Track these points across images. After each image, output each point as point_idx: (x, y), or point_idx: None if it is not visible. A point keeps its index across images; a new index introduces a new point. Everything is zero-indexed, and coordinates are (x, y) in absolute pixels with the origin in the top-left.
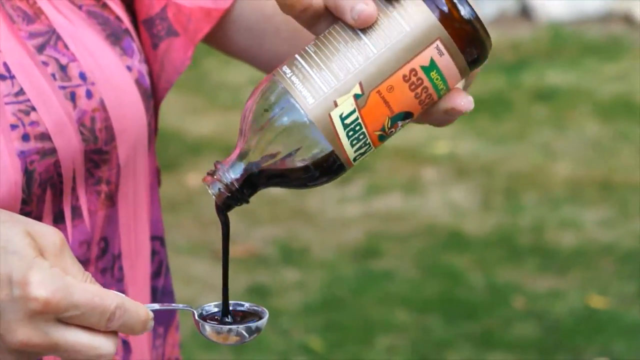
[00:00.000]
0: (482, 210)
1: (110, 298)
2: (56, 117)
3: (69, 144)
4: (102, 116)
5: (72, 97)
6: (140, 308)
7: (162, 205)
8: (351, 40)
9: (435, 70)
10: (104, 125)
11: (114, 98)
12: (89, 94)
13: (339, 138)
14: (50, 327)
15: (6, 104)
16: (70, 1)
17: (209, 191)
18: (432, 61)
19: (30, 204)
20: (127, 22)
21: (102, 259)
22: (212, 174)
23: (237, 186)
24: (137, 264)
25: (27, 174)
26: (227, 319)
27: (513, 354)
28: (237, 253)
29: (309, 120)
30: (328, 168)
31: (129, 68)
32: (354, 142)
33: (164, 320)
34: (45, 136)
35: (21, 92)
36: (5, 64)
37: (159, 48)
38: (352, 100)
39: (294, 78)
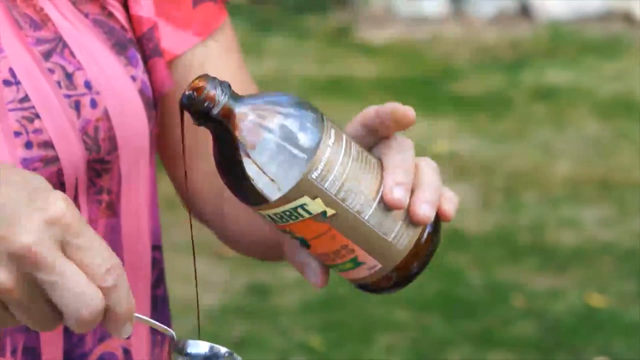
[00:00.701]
0: (481, 209)
1: (114, 255)
2: (60, 125)
3: (71, 153)
4: (105, 126)
5: (77, 106)
6: (131, 294)
7: (161, 204)
8: (371, 191)
9: (352, 265)
10: (107, 135)
11: (118, 108)
12: (94, 104)
13: (282, 205)
14: (55, 247)
15: (10, 110)
16: (77, 9)
17: (200, 84)
18: (360, 264)
19: None
20: (130, 32)
21: None
22: (220, 83)
23: (214, 113)
24: (139, 274)
25: None
26: None
27: (513, 352)
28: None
29: (296, 178)
30: (251, 194)
31: (134, 78)
32: (276, 216)
33: None
34: (48, 144)
35: (26, 98)
36: (10, 70)
37: (147, 66)
38: (320, 211)
39: (327, 147)
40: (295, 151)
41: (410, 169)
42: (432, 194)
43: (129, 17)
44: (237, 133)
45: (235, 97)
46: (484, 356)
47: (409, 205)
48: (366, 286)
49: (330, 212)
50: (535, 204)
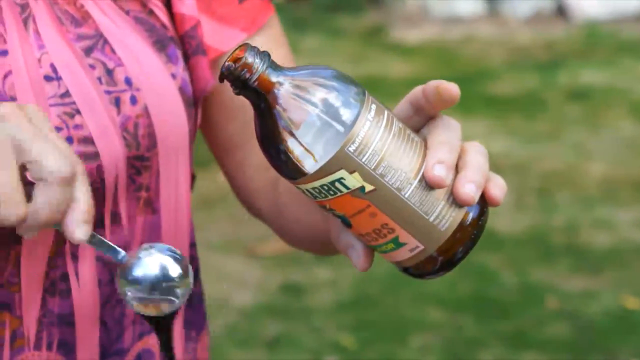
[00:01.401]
0: (515, 210)
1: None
2: (100, 121)
3: (111, 149)
4: (145, 122)
5: (117, 103)
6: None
7: (197, 203)
8: (412, 169)
9: (393, 246)
10: (147, 132)
11: (158, 105)
12: (134, 100)
13: (320, 179)
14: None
15: (51, 105)
16: (117, 6)
17: (239, 54)
18: (402, 244)
19: None
20: (171, 30)
21: None
22: (259, 52)
23: (253, 82)
24: None
25: None
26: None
27: (546, 354)
28: (271, 251)
29: (333, 150)
30: (287, 167)
31: (174, 76)
32: (314, 190)
33: (197, 324)
34: (88, 140)
35: (67, 94)
36: (52, 65)
37: (188, 65)
38: (358, 186)
39: (366, 122)
40: (333, 123)
41: (453, 148)
42: (477, 174)
43: (172, 15)
44: (273, 103)
45: (275, 67)
46: (517, 357)
47: (453, 185)
48: (409, 269)
49: (368, 187)
50: (569, 205)
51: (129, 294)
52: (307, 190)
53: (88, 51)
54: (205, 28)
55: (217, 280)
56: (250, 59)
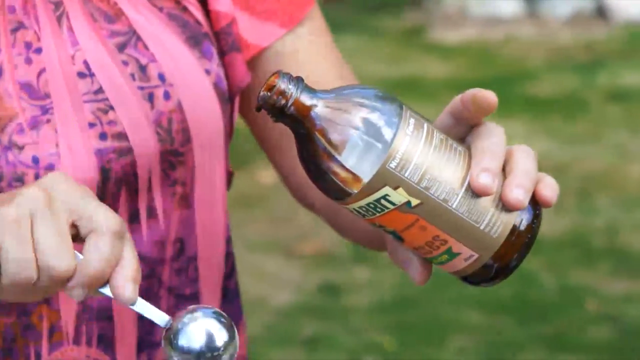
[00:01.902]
0: (555, 212)
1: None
2: (134, 117)
3: (145, 145)
4: (179, 118)
5: (150, 98)
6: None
7: (235, 201)
8: (456, 179)
9: (448, 257)
10: (181, 127)
11: (192, 100)
12: (167, 95)
13: (365, 198)
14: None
15: (85, 102)
16: (150, 3)
17: (273, 82)
18: (457, 254)
19: (105, 201)
20: (206, 26)
21: (177, 260)
22: (292, 79)
23: (289, 108)
24: (212, 265)
25: (104, 172)
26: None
27: (586, 357)
28: (308, 251)
29: (375, 169)
30: (333, 189)
31: (208, 71)
32: (362, 209)
33: (232, 319)
34: (122, 135)
35: (100, 90)
36: (85, 62)
37: (224, 62)
38: (403, 201)
39: (406, 136)
40: (372, 141)
41: (498, 154)
42: (524, 178)
43: (207, 12)
44: (312, 127)
45: (309, 90)
46: None
47: (501, 190)
48: (468, 278)
49: (414, 201)
50: (609, 207)
51: (175, 359)
52: (354, 209)
53: (121, 48)
54: (244, 25)
55: (255, 279)
56: (283, 86)
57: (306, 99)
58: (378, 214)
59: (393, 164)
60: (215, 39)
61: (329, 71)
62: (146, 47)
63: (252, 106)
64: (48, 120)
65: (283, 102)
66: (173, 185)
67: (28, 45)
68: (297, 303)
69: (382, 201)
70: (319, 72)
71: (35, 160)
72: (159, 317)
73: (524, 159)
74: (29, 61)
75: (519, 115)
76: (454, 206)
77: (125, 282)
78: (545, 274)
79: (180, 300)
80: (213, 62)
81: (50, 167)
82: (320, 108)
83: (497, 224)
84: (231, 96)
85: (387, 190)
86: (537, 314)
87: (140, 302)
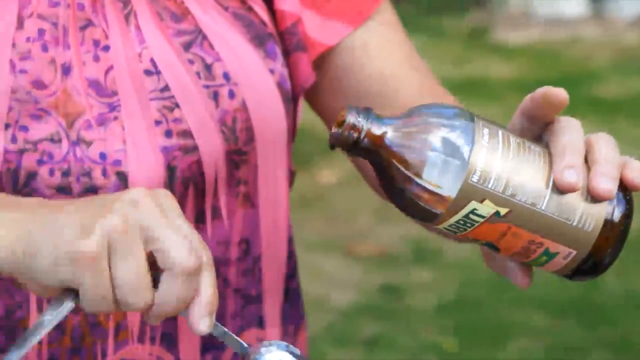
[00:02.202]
0: None
1: (206, 246)
2: (199, 115)
3: (210, 143)
4: (243, 117)
5: (215, 97)
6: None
7: (294, 202)
8: (540, 180)
9: (547, 258)
10: (245, 126)
11: (256, 99)
12: (232, 94)
13: (453, 216)
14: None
15: (151, 99)
16: (217, 2)
17: (342, 118)
18: (555, 254)
19: None
20: (271, 26)
21: (243, 261)
22: (359, 111)
23: (363, 141)
24: (275, 265)
25: (170, 170)
26: None
27: None
28: (369, 252)
29: (458, 186)
30: (420, 213)
31: (272, 71)
32: (453, 226)
33: (294, 320)
34: (187, 134)
35: (166, 88)
36: (152, 60)
37: (288, 61)
38: (492, 212)
39: (482, 148)
40: (450, 159)
41: (578, 148)
42: (609, 166)
43: (273, 11)
44: (387, 155)
45: (378, 119)
46: None
47: (588, 183)
48: (570, 275)
49: (503, 210)
50: None
51: None
52: (444, 228)
53: (187, 46)
54: (311, 23)
55: (315, 279)
56: (352, 119)
57: (377, 129)
58: (469, 229)
59: (475, 178)
60: (280, 38)
61: (402, 63)
62: (211, 46)
63: (322, 102)
64: (115, 117)
65: (355, 135)
66: (237, 184)
67: (96, 43)
68: (357, 303)
69: (471, 216)
70: (391, 65)
71: (103, 156)
72: (235, 344)
73: (605, 147)
74: (97, 59)
75: (584, 117)
76: (542, 208)
77: (200, 318)
78: (610, 277)
79: (247, 301)
80: (277, 62)
81: (117, 163)
82: (391, 134)
83: (589, 218)
84: (294, 96)
85: (473, 204)
86: (601, 317)
87: (219, 330)
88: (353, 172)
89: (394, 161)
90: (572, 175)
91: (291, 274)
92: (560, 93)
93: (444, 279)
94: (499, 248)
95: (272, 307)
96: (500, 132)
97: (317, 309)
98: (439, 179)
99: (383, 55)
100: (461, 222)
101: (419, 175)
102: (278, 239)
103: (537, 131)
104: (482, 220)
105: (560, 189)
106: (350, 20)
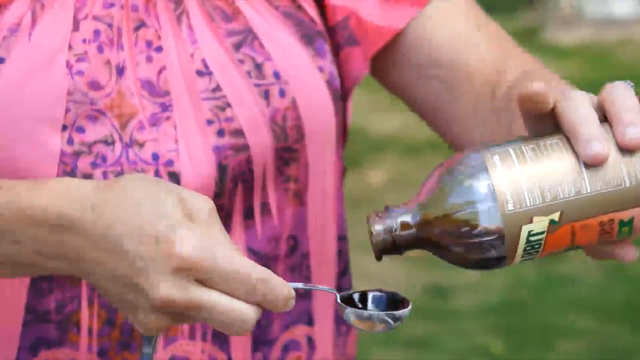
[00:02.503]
0: None
1: (254, 269)
2: (250, 114)
3: (261, 141)
4: (293, 115)
5: (266, 95)
6: (283, 285)
7: (345, 202)
8: (571, 168)
9: (628, 227)
10: (295, 124)
11: (306, 98)
12: (282, 93)
13: (517, 248)
14: (192, 286)
15: (203, 99)
16: (267, 2)
17: (371, 229)
18: (631, 220)
19: (222, 197)
20: (320, 24)
21: (291, 257)
22: (380, 214)
23: (399, 236)
24: (324, 263)
25: (221, 168)
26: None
27: None
28: (416, 252)
29: (500, 223)
30: (489, 263)
31: (321, 69)
32: (525, 255)
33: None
34: (239, 132)
35: (218, 88)
36: (203, 60)
37: (339, 56)
38: (547, 223)
39: (501, 176)
40: (479, 203)
41: (588, 118)
42: (630, 115)
43: (323, 7)
44: (429, 234)
45: (402, 211)
46: None
47: (616, 141)
48: None
49: (555, 216)
50: None
51: (350, 312)
52: (520, 262)
53: (237, 46)
54: (375, 11)
55: (362, 279)
56: (379, 226)
57: (408, 218)
58: (540, 249)
59: (510, 206)
60: (330, 33)
61: (470, 29)
62: (262, 46)
63: (392, 80)
64: (168, 118)
65: (394, 233)
66: (286, 181)
67: (149, 44)
68: None
69: (531, 239)
70: (460, 32)
71: (155, 157)
72: (325, 288)
73: (619, 96)
74: (149, 59)
75: None
76: (588, 190)
77: (283, 307)
78: None
79: (295, 297)
80: (326, 59)
81: (169, 164)
82: (419, 215)
83: (637, 172)
84: (345, 92)
85: (526, 229)
86: None
87: (303, 287)
88: (402, 172)
89: (438, 237)
90: (595, 147)
91: (342, 272)
92: (533, 90)
93: (489, 280)
94: (580, 245)
95: (322, 304)
96: (510, 149)
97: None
98: (482, 227)
99: (451, 24)
100: (528, 248)
101: (467, 237)
102: (326, 236)
103: (547, 123)
104: (543, 235)
105: (593, 165)
106: (414, 2)
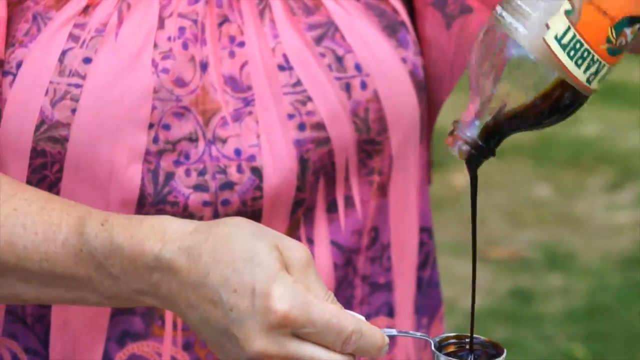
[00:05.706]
0: None
1: (348, 321)
2: (331, 107)
3: (342, 134)
4: (375, 107)
5: (347, 88)
6: (376, 333)
7: (428, 193)
8: None
9: None
10: (377, 116)
11: (388, 89)
12: (364, 85)
13: (562, 62)
14: (287, 341)
15: (284, 94)
16: None
17: (452, 152)
18: None
19: (304, 191)
20: (403, 14)
21: (371, 249)
22: (451, 133)
23: (479, 142)
24: (405, 254)
25: (302, 162)
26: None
27: None
28: (501, 255)
29: (525, 51)
30: (562, 98)
31: (404, 60)
32: (579, 62)
33: (428, 311)
34: (320, 126)
35: (298, 83)
36: (284, 55)
37: (452, 28)
38: (564, 18)
39: (504, 13)
40: (510, 57)
41: None
42: None
43: None
44: (503, 117)
45: (464, 114)
46: None
47: None
48: None
49: (565, 5)
50: None
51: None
52: (599, 80)
53: (318, 40)
54: None
55: (446, 282)
56: (459, 139)
57: (475, 111)
58: (584, 45)
59: (521, 29)
60: (440, 5)
61: None
62: (343, 38)
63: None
64: (250, 112)
65: (471, 142)
66: (370, 174)
67: (232, 39)
68: (487, 307)
69: (564, 42)
70: None
71: (238, 152)
72: (418, 335)
73: None
74: (232, 55)
75: None
76: None
77: (377, 355)
78: None
79: (375, 288)
80: (409, 50)
81: (251, 159)
82: (475, 110)
83: None
84: (460, 69)
85: (549, 36)
86: None
87: (396, 334)
88: (486, 175)
89: (507, 113)
90: None
91: (423, 264)
92: None
93: (576, 284)
94: (624, 18)
95: (403, 296)
96: None
97: (446, 311)
98: (534, 75)
99: None
100: (572, 53)
101: (530, 96)
102: (407, 228)
103: None
104: (572, 31)
105: None
106: None
